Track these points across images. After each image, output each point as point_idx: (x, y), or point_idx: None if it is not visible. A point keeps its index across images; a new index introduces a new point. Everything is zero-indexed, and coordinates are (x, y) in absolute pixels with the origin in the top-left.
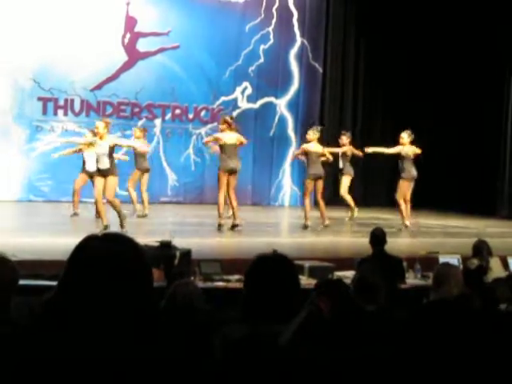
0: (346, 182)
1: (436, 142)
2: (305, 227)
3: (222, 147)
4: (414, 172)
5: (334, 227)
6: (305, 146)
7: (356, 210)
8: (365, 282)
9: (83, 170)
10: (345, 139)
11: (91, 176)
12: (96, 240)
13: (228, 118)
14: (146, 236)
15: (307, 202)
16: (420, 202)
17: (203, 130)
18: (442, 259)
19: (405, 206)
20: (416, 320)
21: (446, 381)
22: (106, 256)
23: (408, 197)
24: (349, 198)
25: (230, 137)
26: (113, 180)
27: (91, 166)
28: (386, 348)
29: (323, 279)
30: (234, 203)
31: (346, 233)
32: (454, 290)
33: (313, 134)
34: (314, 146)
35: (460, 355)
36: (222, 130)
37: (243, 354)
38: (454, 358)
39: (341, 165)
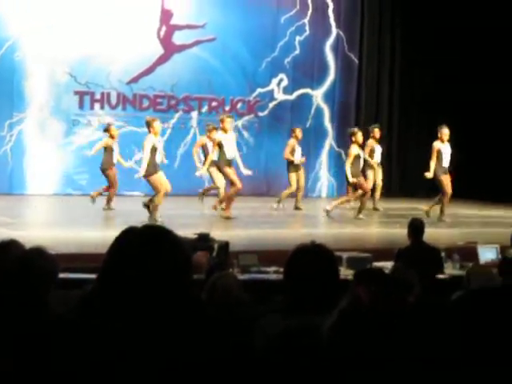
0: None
1: (474, 132)
2: None
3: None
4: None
5: (371, 218)
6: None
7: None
8: (400, 273)
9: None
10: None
11: None
12: (135, 233)
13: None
14: (184, 228)
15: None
16: (458, 193)
17: (240, 122)
18: (481, 249)
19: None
20: (460, 309)
21: (491, 370)
22: (144, 249)
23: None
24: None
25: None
26: None
27: None
28: (427, 338)
29: (362, 268)
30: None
31: (384, 223)
32: None
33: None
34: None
35: (506, 344)
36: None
37: (284, 346)
38: (499, 347)
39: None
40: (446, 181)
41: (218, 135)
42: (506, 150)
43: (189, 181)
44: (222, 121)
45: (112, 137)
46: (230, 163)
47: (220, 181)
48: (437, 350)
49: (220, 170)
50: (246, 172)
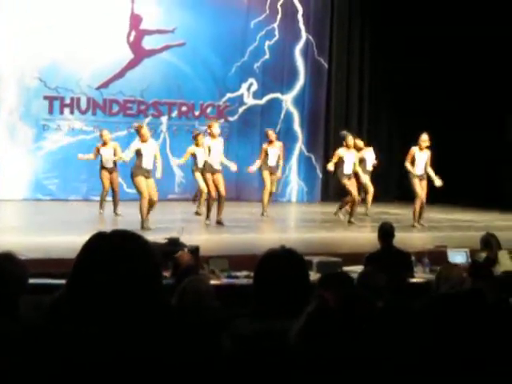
0: None
1: (442, 137)
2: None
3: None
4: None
5: (342, 222)
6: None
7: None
8: (368, 277)
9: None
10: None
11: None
12: (104, 238)
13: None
14: (154, 233)
15: None
16: (427, 197)
17: None
18: (451, 253)
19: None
20: (428, 313)
21: (459, 375)
22: (113, 254)
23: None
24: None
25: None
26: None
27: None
28: (395, 341)
29: (327, 273)
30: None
31: (354, 227)
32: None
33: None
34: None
35: (474, 349)
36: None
37: (253, 350)
38: (468, 352)
39: None
40: (417, 185)
41: (207, 141)
42: (474, 156)
43: (159, 186)
44: (209, 126)
45: (104, 142)
46: (212, 169)
47: (202, 184)
48: (405, 355)
49: (202, 175)
50: (233, 167)
